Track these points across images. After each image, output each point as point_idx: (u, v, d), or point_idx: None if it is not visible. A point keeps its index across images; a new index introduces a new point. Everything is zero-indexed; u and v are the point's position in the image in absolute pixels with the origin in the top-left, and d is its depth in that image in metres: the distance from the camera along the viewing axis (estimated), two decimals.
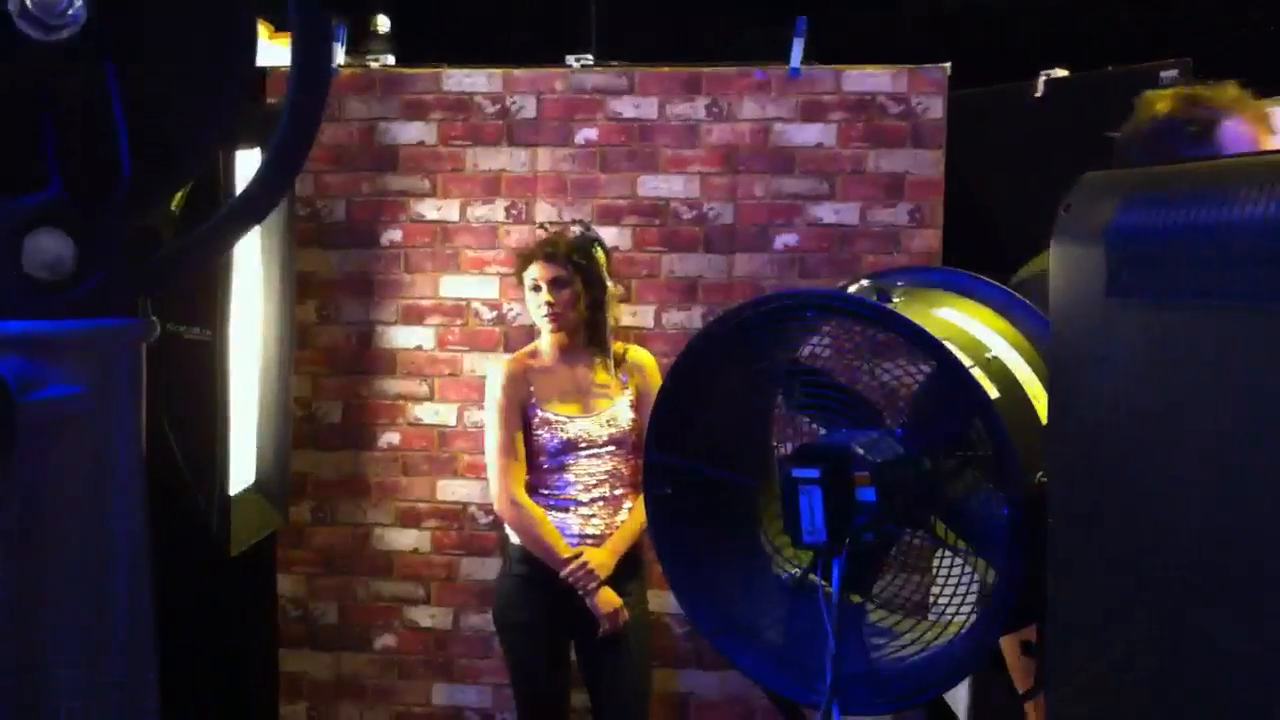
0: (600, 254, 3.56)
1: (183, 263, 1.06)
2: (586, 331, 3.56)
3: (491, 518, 4.02)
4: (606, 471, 3.51)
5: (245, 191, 1.08)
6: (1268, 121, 2.25)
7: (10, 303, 0.93)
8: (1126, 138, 2.31)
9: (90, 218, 0.95)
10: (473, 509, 4.05)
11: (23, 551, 0.94)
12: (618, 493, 3.51)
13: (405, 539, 4.08)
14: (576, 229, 3.69)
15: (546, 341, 3.60)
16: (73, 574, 0.96)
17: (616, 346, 3.60)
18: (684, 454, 1.71)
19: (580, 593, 3.42)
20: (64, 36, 0.96)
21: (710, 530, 1.74)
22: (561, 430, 3.50)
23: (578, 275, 3.51)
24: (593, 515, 3.50)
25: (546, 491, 3.53)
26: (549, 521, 3.48)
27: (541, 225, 3.89)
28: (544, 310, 3.51)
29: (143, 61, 0.99)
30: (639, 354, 3.59)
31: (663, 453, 1.72)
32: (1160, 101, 2.28)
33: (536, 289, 3.52)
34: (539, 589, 3.48)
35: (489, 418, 3.59)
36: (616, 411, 3.53)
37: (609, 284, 3.58)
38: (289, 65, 1.06)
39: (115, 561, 0.99)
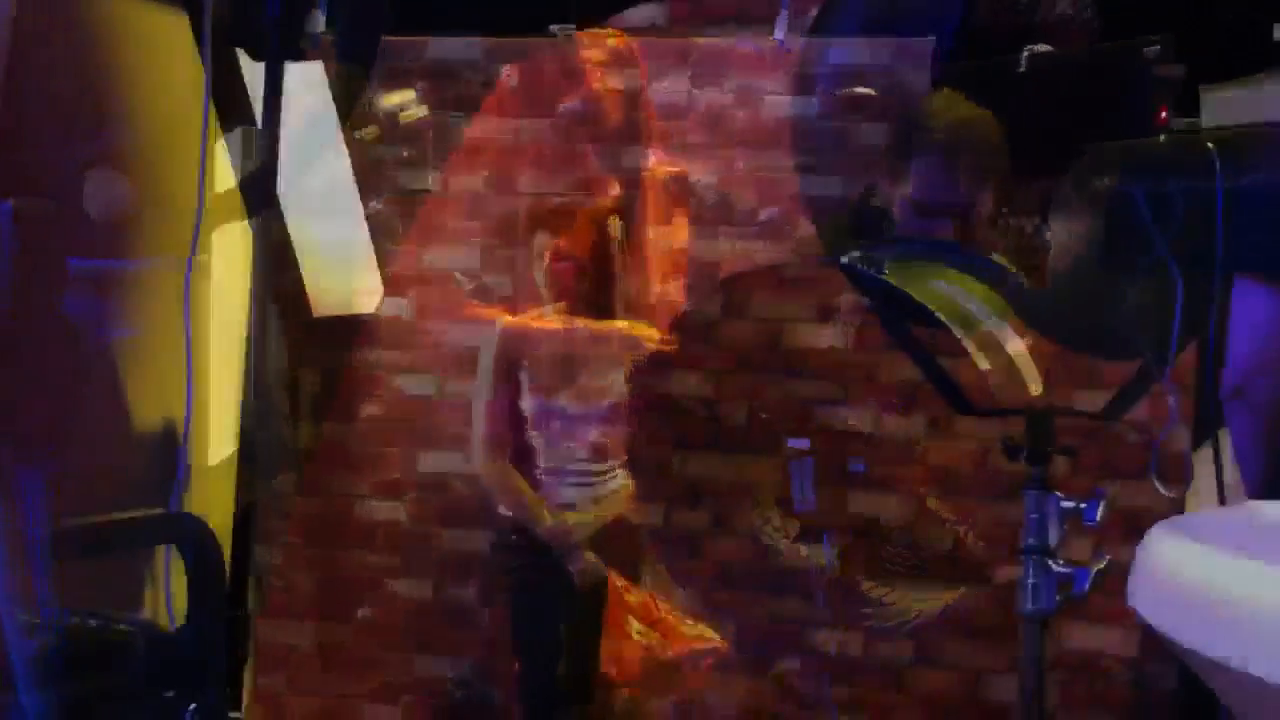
0: (615, 226, 3.52)
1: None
2: (592, 304, 3.53)
3: (473, 489, 4.01)
4: (590, 444, 3.50)
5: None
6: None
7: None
8: None
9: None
10: (454, 480, 4.04)
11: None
12: (599, 466, 3.50)
13: (386, 510, 4.07)
14: (592, 197, 3.65)
15: (551, 307, 3.57)
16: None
17: (622, 322, 3.57)
18: None
19: (557, 553, 3.43)
20: None
21: None
22: (547, 397, 3.48)
23: (588, 248, 3.48)
24: (571, 486, 3.49)
25: (528, 458, 3.52)
26: (527, 485, 3.47)
27: (570, 192, 3.82)
28: (546, 279, 3.47)
29: None
30: (641, 329, 3.52)
31: None
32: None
33: (542, 257, 3.49)
34: (530, 554, 3.49)
35: (479, 376, 3.57)
36: (607, 385, 3.51)
37: (621, 257, 3.55)
38: None
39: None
